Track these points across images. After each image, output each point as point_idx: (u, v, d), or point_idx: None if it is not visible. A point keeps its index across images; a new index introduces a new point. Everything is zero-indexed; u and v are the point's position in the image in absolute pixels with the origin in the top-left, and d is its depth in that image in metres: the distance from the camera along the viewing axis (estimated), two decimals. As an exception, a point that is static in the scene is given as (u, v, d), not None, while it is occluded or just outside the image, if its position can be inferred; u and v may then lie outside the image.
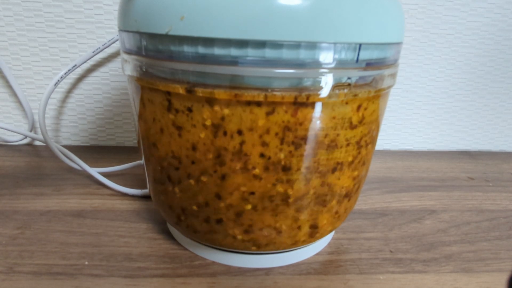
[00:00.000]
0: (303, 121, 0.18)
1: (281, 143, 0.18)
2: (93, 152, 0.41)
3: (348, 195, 0.22)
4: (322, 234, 0.23)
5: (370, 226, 0.29)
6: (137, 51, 0.19)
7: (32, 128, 0.41)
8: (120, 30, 0.20)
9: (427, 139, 0.47)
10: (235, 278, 0.23)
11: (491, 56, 0.43)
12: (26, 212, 0.29)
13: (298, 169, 0.19)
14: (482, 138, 0.47)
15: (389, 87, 0.21)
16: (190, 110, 0.18)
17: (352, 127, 0.19)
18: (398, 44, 0.20)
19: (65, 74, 0.34)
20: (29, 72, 0.40)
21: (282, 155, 0.18)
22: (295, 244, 0.22)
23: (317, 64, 0.17)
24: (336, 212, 0.22)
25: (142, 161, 0.24)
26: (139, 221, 0.28)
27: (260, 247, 0.22)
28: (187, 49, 0.17)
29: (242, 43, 0.16)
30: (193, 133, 0.19)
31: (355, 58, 0.18)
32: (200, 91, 0.17)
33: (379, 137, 0.46)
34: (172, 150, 0.20)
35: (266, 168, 0.19)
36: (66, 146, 0.42)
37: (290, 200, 0.20)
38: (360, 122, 0.20)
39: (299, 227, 0.21)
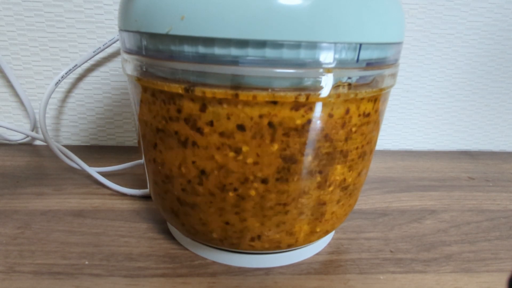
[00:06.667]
0: (303, 121, 0.18)
1: (281, 142, 0.18)
2: (93, 152, 0.41)
3: (348, 195, 0.22)
4: (322, 234, 0.23)
5: (370, 226, 0.29)
6: (137, 51, 0.19)
7: (34, 127, 0.41)
8: (121, 30, 0.20)
9: (427, 139, 0.47)
10: (235, 278, 0.23)
11: (492, 56, 0.43)
12: (26, 212, 0.29)
13: (298, 169, 0.19)
14: (482, 138, 0.47)
15: (390, 87, 0.21)
16: (190, 109, 0.18)
17: (353, 127, 0.19)
18: (399, 44, 0.20)
19: (65, 74, 0.34)
20: (30, 71, 0.40)
21: (282, 155, 0.18)
22: (294, 244, 0.22)
23: (317, 64, 0.17)
24: (336, 212, 0.22)
25: (142, 161, 0.24)
26: (139, 221, 0.28)
27: (260, 248, 0.22)
28: (187, 49, 0.17)
29: (242, 43, 0.16)
30: (193, 133, 0.19)
31: (356, 58, 0.18)
32: (200, 91, 0.17)
33: (379, 137, 0.46)
34: (172, 150, 0.20)
35: (266, 168, 0.19)
36: (66, 146, 0.42)
37: (290, 200, 0.20)
38: (361, 122, 0.20)
39: (298, 228, 0.21)
